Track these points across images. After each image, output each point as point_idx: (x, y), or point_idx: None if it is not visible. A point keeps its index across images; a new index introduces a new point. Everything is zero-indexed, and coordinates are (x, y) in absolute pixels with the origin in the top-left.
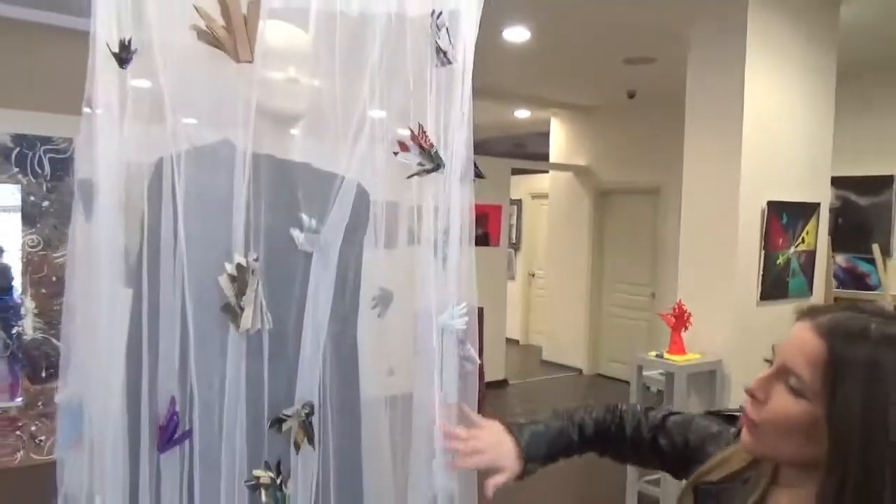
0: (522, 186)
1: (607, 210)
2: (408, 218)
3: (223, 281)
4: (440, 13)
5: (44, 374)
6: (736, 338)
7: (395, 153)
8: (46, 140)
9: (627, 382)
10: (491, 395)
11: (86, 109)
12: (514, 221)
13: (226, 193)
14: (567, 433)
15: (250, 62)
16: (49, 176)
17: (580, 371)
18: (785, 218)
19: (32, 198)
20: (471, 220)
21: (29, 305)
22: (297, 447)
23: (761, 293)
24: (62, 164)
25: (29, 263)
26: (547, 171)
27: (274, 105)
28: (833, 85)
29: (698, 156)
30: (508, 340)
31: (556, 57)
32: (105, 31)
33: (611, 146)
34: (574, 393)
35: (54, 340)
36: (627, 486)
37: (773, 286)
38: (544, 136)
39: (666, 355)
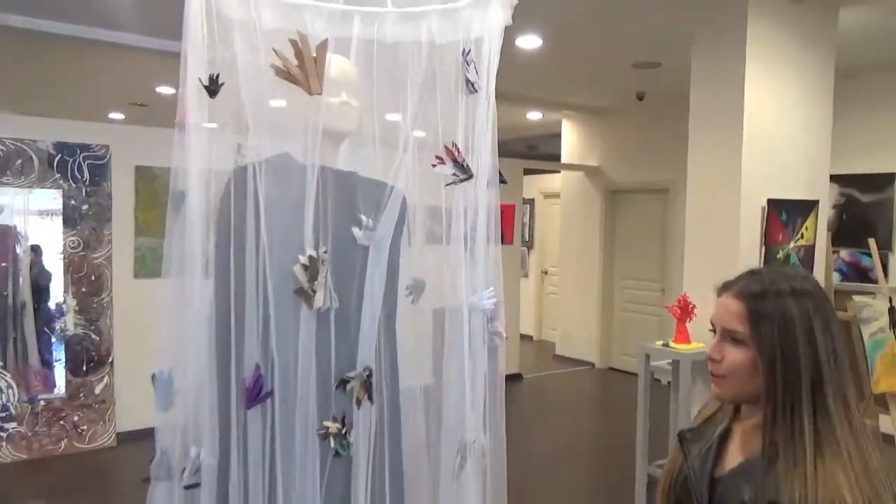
0: (535, 186)
1: (618, 208)
2: (444, 219)
3: (297, 269)
4: (469, 51)
5: (84, 368)
6: None
7: (434, 165)
8: (85, 147)
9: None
10: (506, 389)
11: (177, 131)
12: (526, 220)
13: (298, 198)
14: None
15: (320, 94)
16: (88, 181)
17: (592, 365)
18: (784, 215)
19: (73, 202)
20: (496, 220)
21: (70, 303)
22: (359, 403)
23: None
24: (99, 170)
25: (70, 264)
26: (559, 171)
27: (332, 125)
28: (831, 86)
29: (702, 157)
30: (522, 336)
31: (568, 62)
32: (195, 64)
33: (621, 146)
34: (586, 386)
35: (94, 336)
36: (637, 469)
37: None
38: (556, 137)
39: (672, 344)
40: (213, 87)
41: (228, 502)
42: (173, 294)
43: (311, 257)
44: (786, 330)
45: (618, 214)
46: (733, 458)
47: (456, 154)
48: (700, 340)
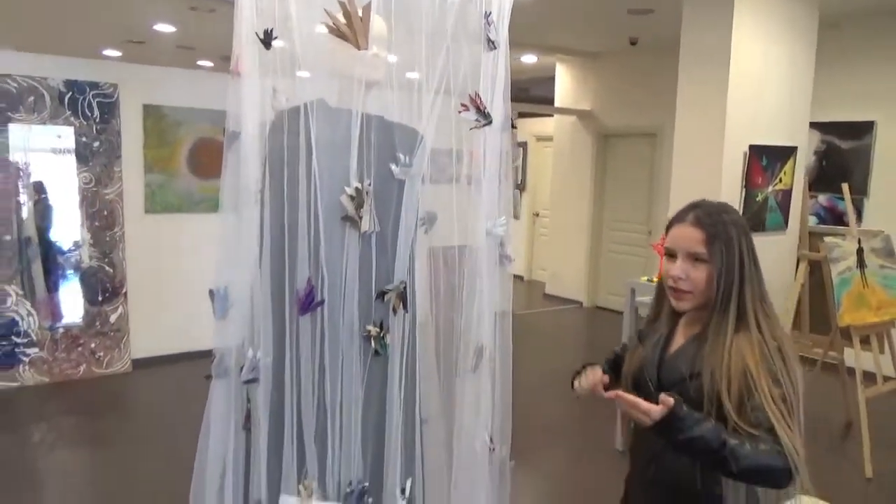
0: (528, 129)
1: (609, 152)
2: (462, 159)
3: (345, 200)
4: (490, 13)
5: (100, 298)
6: None
7: (459, 112)
8: (95, 85)
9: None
10: None
11: (232, 76)
12: (519, 163)
13: (343, 139)
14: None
15: (367, 49)
16: (98, 119)
17: (580, 304)
18: (765, 160)
19: (84, 139)
20: (509, 160)
21: (85, 237)
22: (395, 311)
23: None
24: (109, 108)
25: (84, 199)
26: (552, 115)
27: (365, 75)
28: (815, 36)
29: (689, 102)
30: (514, 277)
31: (562, 7)
32: (249, 18)
33: (613, 91)
34: (574, 324)
35: (108, 268)
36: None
37: (752, 220)
38: (549, 80)
39: (655, 279)
40: (267, 40)
41: (282, 394)
42: (228, 223)
43: (356, 189)
44: (729, 248)
45: (609, 158)
46: (679, 341)
47: (479, 102)
48: None
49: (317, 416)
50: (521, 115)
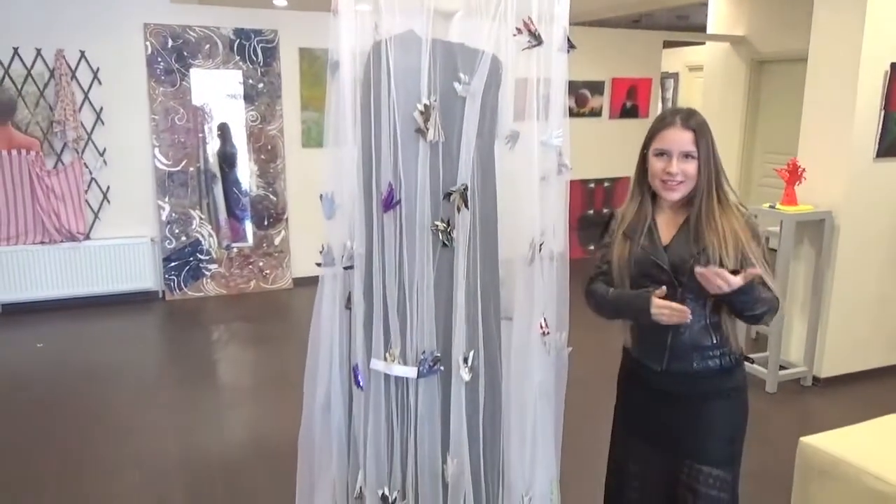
0: (680, 59)
1: (763, 80)
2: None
3: (416, 114)
4: None
5: (266, 223)
6: (849, 191)
7: (514, 34)
8: (258, 32)
9: None
10: None
11: (332, 16)
12: (670, 95)
13: (416, 63)
14: None
15: None
16: (262, 63)
17: None
18: None
19: (250, 81)
20: (564, 79)
21: (252, 168)
22: (459, 210)
23: (878, 151)
24: (270, 52)
25: (251, 135)
26: (703, 43)
27: (440, 6)
28: None
29: (825, 17)
30: None
31: None
32: None
33: (770, 13)
34: None
35: (272, 196)
36: None
37: (893, 144)
38: (706, 7)
39: (778, 206)
40: None
41: (371, 279)
42: (333, 144)
43: (426, 105)
44: (708, 145)
45: (763, 86)
46: (668, 232)
47: (531, 25)
48: (809, 204)
49: (398, 297)
50: (672, 44)
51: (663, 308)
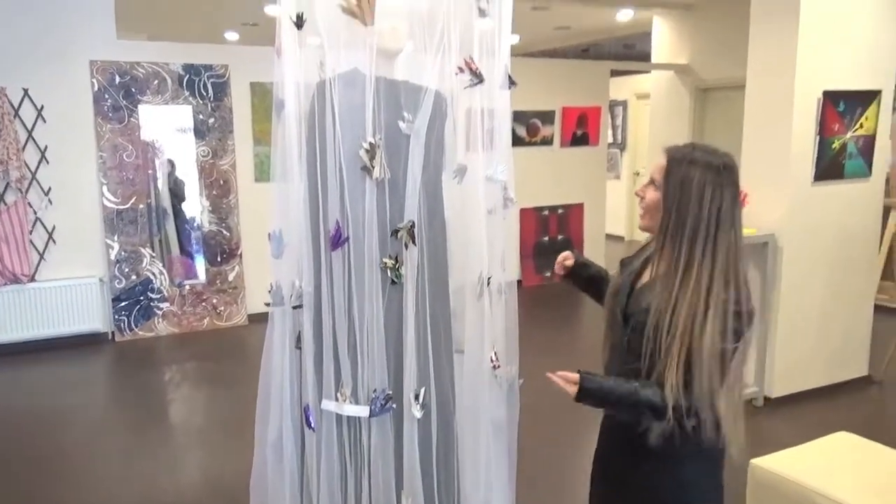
0: (628, 87)
1: (707, 107)
2: (466, 118)
3: (362, 153)
4: None
5: (219, 259)
6: (790, 214)
7: (456, 73)
8: (209, 67)
9: None
10: None
11: (276, 56)
12: (619, 122)
13: (361, 101)
14: (602, 275)
15: (373, 24)
16: (212, 98)
17: None
18: (842, 105)
19: (201, 116)
20: (507, 115)
21: (204, 204)
22: (407, 246)
23: (815, 175)
24: (221, 87)
25: (202, 170)
26: (649, 72)
27: (385, 45)
28: None
29: (760, 47)
30: (613, 237)
31: None
32: (287, 7)
33: (711, 43)
34: None
35: (225, 232)
36: None
37: (828, 168)
38: (650, 36)
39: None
40: (299, 23)
41: (321, 317)
42: (279, 179)
43: (371, 143)
44: (682, 189)
45: (707, 112)
46: (646, 277)
47: (472, 64)
48: (752, 227)
49: (348, 336)
50: (620, 73)
51: (553, 378)
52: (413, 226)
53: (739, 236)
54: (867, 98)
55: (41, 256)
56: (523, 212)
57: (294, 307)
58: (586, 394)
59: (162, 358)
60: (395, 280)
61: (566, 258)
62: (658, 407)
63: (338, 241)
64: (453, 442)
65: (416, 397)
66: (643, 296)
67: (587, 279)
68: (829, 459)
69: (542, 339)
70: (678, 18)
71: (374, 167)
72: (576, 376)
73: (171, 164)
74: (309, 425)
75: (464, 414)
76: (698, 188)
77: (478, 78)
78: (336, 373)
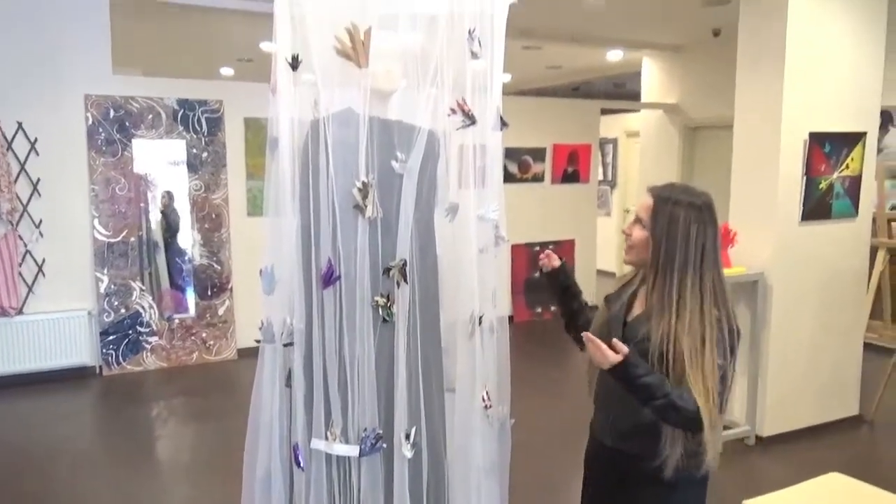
0: (618, 125)
1: (696, 145)
2: (459, 156)
3: (355, 191)
4: (474, 28)
5: (209, 293)
6: (778, 253)
7: (448, 115)
8: (203, 103)
9: None
10: None
11: (271, 95)
12: (609, 160)
13: (354, 141)
14: (576, 292)
15: (367, 67)
16: (206, 132)
17: None
18: (827, 147)
19: (194, 150)
20: (499, 155)
21: (196, 237)
22: (398, 284)
23: (803, 214)
24: (215, 122)
25: (194, 204)
26: (639, 111)
27: (379, 86)
28: (883, 19)
29: (747, 92)
30: (604, 273)
31: (635, 3)
32: (282, 48)
33: (699, 83)
34: None
35: (216, 266)
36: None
37: (815, 208)
38: (640, 75)
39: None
40: (294, 64)
41: (312, 355)
42: (272, 214)
43: (363, 182)
44: (670, 227)
45: (696, 151)
46: (637, 309)
47: (464, 106)
48: (742, 265)
49: (339, 374)
50: (610, 111)
51: (590, 342)
52: (405, 264)
53: (721, 264)
54: (852, 140)
55: (29, 289)
56: (514, 247)
57: (285, 344)
58: (628, 365)
59: (150, 393)
60: (387, 318)
61: (552, 257)
62: (685, 409)
63: (329, 278)
64: (444, 482)
65: (407, 437)
66: (640, 326)
67: (564, 288)
68: (820, 501)
69: (533, 376)
70: (667, 59)
71: (366, 206)
72: (625, 348)
73: (170, 195)
74: (298, 464)
75: (455, 454)
76: (684, 225)
77: (470, 119)
78: (326, 411)
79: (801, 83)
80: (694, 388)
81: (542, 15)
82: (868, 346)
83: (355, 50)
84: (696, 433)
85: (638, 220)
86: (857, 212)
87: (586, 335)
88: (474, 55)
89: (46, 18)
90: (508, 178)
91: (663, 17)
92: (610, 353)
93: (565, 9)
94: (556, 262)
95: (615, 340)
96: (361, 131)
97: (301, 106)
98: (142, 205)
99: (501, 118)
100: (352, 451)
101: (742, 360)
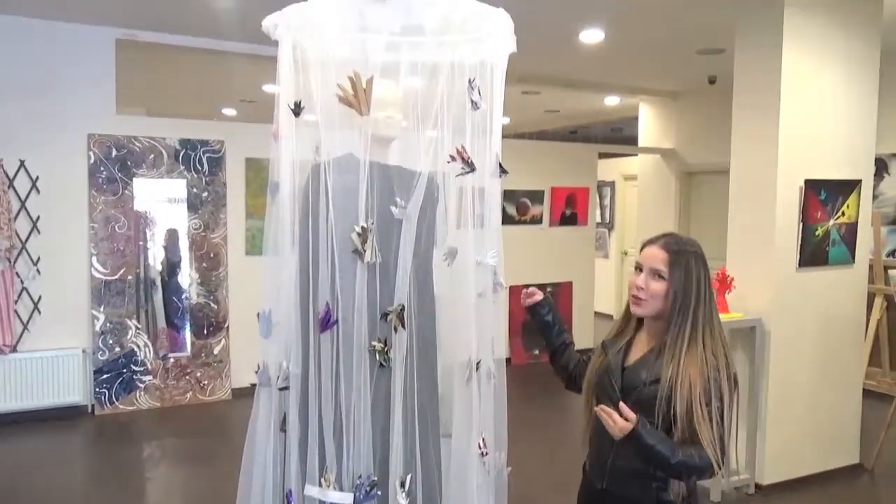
0: (616, 169)
1: (693, 190)
2: (458, 199)
3: (353, 236)
4: (474, 78)
5: (205, 332)
6: (776, 299)
7: (448, 161)
8: (205, 143)
9: None
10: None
11: (272, 140)
12: (607, 203)
13: (354, 186)
14: (563, 336)
15: (368, 114)
16: (207, 172)
17: None
18: (823, 194)
19: (195, 190)
20: (497, 201)
21: (193, 276)
22: (396, 329)
23: (800, 260)
24: (216, 162)
25: (193, 242)
26: (636, 155)
27: (380, 133)
28: (876, 69)
29: (743, 141)
30: (602, 315)
31: (631, 53)
32: (286, 94)
33: (695, 129)
34: None
35: (213, 304)
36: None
37: (813, 254)
38: (637, 120)
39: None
40: (297, 110)
41: (307, 400)
42: (271, 259)
43: (363, 227)
44: (687, 276)
45: (693, 196)
46: (636, 354)
47: (464, 153)
48: (739, 311)
49: (334, 420)
50: (608, 155)
51: (602, 412)
52: (403, 309)
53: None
54: (848, 187)
55: (24, 327)
56: (512, 289)
57: (280, 389)
58: (640, 436)
59: (142, 433)
60: (384, 364)
61: (535, 294)
62: (696, 465)
63: (327, 323)
64: None
65: (402, 484)
66: (642, 370)
67: (545, 323)
68: None
69: (530, 419)
70: (663, 105)
71: (365, 251)
72: (633, 415)
73: (175, 234)
74: None
75: (450, 502)
76: (696, 272)
77: (469, 167)
78: (321, 457)
79: (796, 131)
80: (703, 437)
81: (541, 61)
82: (867, 394)
83: (357, 98)
84: (705, 478)
85: (655, 273)
86: (853, 258)
87: (599, 408)
88: (475, 105)
89: (52, 58)
90: (507, 219)
91: (660, 64)
92: (620, 421)
93: (564, 55)
94: (539, 297)
95: (622, 406)
96: (362, 177)
97: (302, 148)
98: (140, 243)
99: (501, 165)
100: (346, 498)
101: (741, 407)
